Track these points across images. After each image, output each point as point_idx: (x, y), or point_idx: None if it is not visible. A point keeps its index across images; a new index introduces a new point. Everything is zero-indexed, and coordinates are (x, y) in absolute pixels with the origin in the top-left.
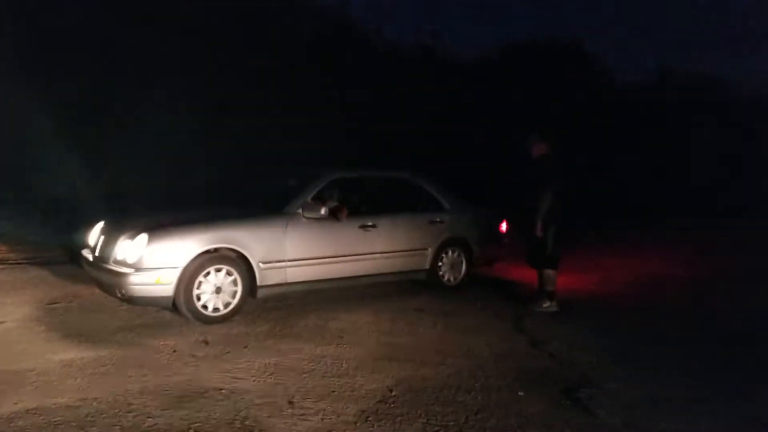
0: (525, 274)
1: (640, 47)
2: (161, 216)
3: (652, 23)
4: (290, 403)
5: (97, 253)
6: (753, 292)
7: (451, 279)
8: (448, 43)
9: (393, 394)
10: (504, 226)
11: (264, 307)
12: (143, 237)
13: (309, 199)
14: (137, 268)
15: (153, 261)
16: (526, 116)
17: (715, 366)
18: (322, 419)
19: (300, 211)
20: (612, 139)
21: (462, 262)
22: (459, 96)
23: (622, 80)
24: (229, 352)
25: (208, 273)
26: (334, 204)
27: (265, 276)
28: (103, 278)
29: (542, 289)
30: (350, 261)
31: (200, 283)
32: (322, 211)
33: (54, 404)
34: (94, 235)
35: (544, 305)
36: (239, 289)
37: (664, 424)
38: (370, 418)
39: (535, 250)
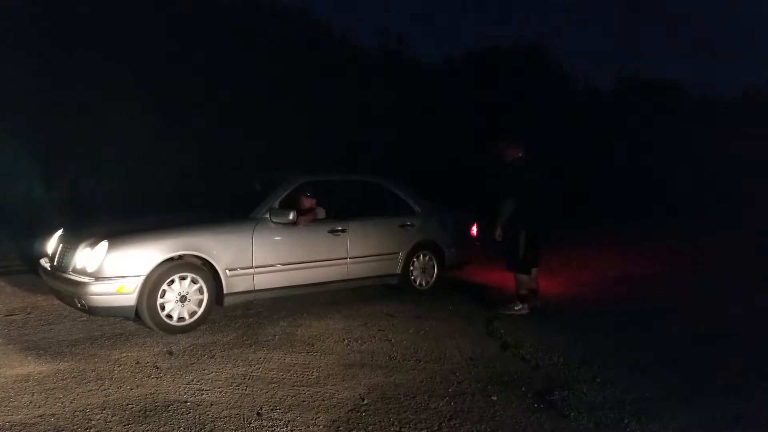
0: (496, 278)
1: (600, 54)
2: (123, 223)
3: (612, 30)
4: (258, 414)
5: (55, 262)
6: (723, 291)
7: (423, 283)
8: (412, 47)
9: (365, 402)
10: (475, 229)
11: (231, 315)
12: (103, 245)
13: (276, 203)
14: (97, 277)
15: (114, 269)
16: (491, 120)
17: (686, 365)
18: (292, 430)
19: (267, 216)
20: (576, 143)
21: (433, 265)
22: (424, 100)
23: (585, 85)
24: (194, 362)
25: (172, 281)
26: (304, 208)
27: (232, 283)
28: (62, 288)
29: (515, 292)
30: (320, 266)
31: (164, 291)
32: (290, 216)
33: (9, 422)
34: (53, 243)
35: (515, 308)
36: (205, 297)
37: (635, 424)
38: (341, 428)
39: (508, 254)
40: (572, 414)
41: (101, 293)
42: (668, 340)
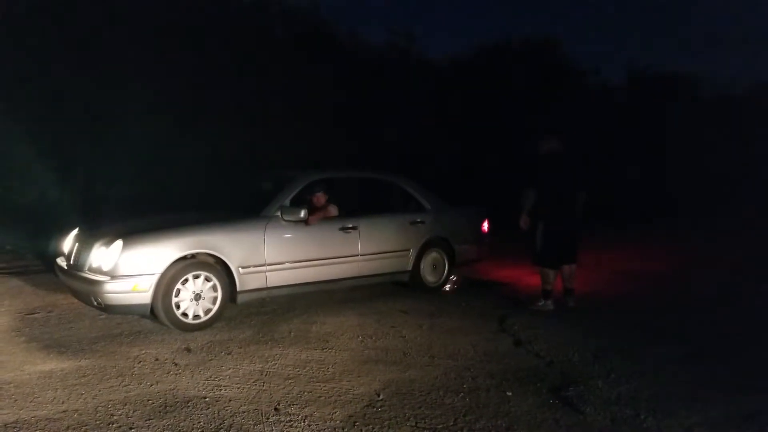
0: (508, 274)
1: (611, 48)
2: (137, 222)
3: (622, 22)
4: (276, 409)
5: (71, 261)
6: (745, 288)
7: (434, 280)
8: (422, 44)
9: (380, 398)
10: (486, 226)
11: (246, 312)
12: (118, 243)
13: (288, 201)
14: (113, 276)
15: (129, 268)
16: (506, 119)
17: (702, 362)
18: (309, 425)
19: (279, 214)
20: (591, 140)
21: (444, 262)
22: (436, 97)
23: (595, 81)
24: (212, 359)
25: (186, 280)
26: (315, 206)
27: (245, 281)
28: (78, 287)
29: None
30: (331, 264)
31: (178, 290)
32: (301, 213)
33: (34, 417)
34: (69, 242)
35: (538, 304)
36: (219, 295)
37: (652, 420)
38: (357, 423)
39: (531, 246)
40: (587, 410)
41: (116, 291)
42: (685, 336)
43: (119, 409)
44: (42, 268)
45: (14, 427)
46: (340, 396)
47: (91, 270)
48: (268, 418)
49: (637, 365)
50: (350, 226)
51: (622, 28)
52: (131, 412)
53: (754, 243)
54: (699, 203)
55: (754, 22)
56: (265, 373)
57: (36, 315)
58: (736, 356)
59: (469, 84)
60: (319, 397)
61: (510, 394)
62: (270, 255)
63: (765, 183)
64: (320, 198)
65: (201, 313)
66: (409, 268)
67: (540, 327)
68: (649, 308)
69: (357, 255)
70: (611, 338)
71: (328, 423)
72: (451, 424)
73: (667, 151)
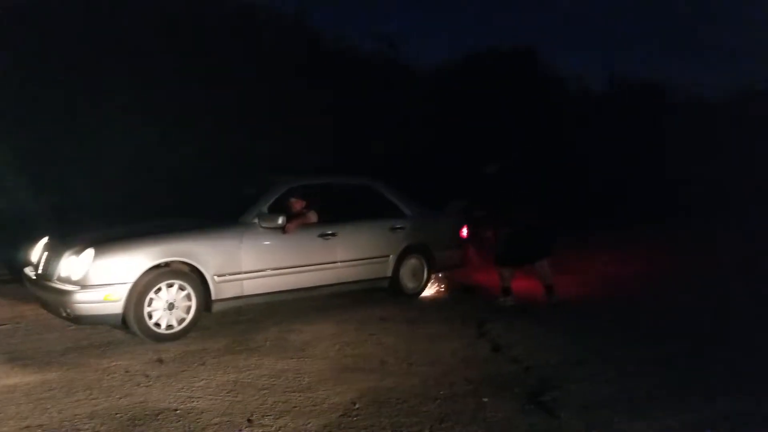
0: (487, 278)
1: (591, 55)
2: (109, 229)
3: (601, 30)
4: (249, 421)
5: (40, 271)
6: (716, 291)
7: (414, 286)
8: (403, 54)
9: (356, 406)
10: (465, 232)
11: (222, 321)
12: (89, 252)
13: (266, 208)
14: (83, 286)
15: (100, 277)
16: (486, 127)
17: (677, 364)
18: None
19: (256, 220)
20: (568, 145)
21: (424, 268)
22: (419, 104)
23: (575, 87)
24: (184, 370)
25: (159, 289)
26: (294, 212)
27: (221, 289)
28: (47, 297)
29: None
30: (310, 271)
31: (151, 300)
32: (279, 220)
33: None
34: (38, 251)
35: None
36: (193, 304)
37: (625, 424)
38: None
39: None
40: (563, 414)
41: (87, 301)
42: (661, 338)
43: (86, 424)
44: (10, 278)
45: None
46: (315, 406)
47: (61, 279)
48: (240, 430)
49: (613, 369)
50: (329, 232)
51: (604, 36)
52: (98, 426)
53: (734, 246)
54: (680, 207)
55: (731, 29)
56: (239, 384)
57: (2, 327)
58: (712, 359)
59: (453, 92)
60: (294, 407)
61: (486, 400)
62: (247, 263)
63: (746, 188)
64: (299, 204)
65: (174, 323)
66: (389, 274)
67: (519, 331)
68: (628, 312)
69: (336, 262)
70: (589, 342)
71: None
72: (427, 431)
73: (646, 156)
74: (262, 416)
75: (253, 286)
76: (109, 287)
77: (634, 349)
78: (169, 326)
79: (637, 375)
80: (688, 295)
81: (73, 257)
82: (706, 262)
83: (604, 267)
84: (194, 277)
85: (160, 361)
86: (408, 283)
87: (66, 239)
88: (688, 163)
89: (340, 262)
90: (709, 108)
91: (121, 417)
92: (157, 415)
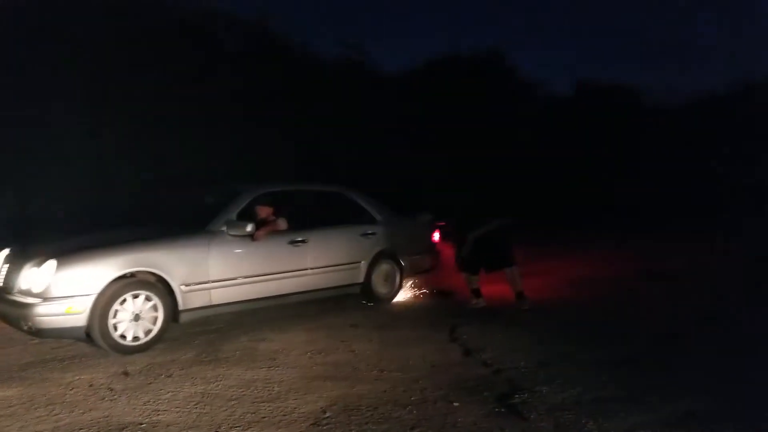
0: (460, 282)
1: (556, 60)
2: (72, 240)
3: (566, 34)
4: None
5: (0, 284)
6: (679, 292)
7: (386, 292)
8: (374, 58)
9: (327, 415)
10: (436, 236)
11: (191, 332)
12: (51, 263)
13: (234, 215)
14: (45, 298)
15: (62, 289)
16: (451, 131)
17: (643, 365)
18: None
19: (224, 228)
20: (535, 151)
21: (396, 273)
22: (385, 110)
23: (542, 93)
24: (151, 383)
25: (124, 300)
26: (263, 219)
27: (188, 299)
28: (8, 311)
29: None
30: (280, 279)
31: (116, 311)
32: (248, 228)
33: None
34: None
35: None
36: (160, 315)
37: (592, 424)
38: None
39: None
40: (532, 416)
41: (49, 314)
42: (627, 340)
43: None
44: None
45: None
46: (285, 416)
47: (22, 292)
48: None
49: (580, 370)
50: (299, 239)
51: (570, 40)
52: None
53: (697, 249)
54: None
55: (691, 32)
56: (207, 395)
57: None
58: (676, 360)
59: (419, 97)
60: (263, 417)
61: (457, 404)
62: (215, 271)
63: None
64: (268, 211)
65: (141, 335)
66: (361, 280)
67: (490, 336)
68: (596, 314)
69: (307, 269)
70: (557, 345)
71: None
72: None
73: (612, 160)
74: (230, 428)
75: (221, 295)
76: (71, 299)
77: (600, 351)
78: (136, 338)
79: (603, 376)
80: (653, 297)
81: (35, 269)
82: (670, 265)
83: (574, 270)
84: (161, 287)
85: (126, 373)
86: (380, 289)
87: (27, 251)
88: (656, 165)
89: (311, 269)
90: (675, 111)
91: None
92: (122, 429)
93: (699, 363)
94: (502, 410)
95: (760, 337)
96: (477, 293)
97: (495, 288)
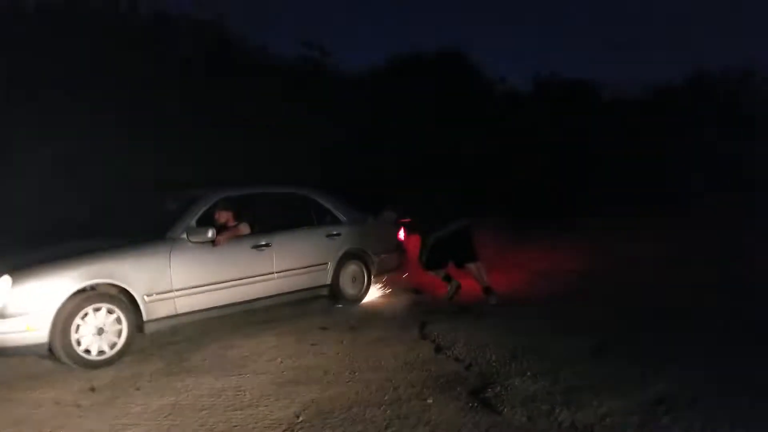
0: (428, 280)
1: (520, 54)
2: (28, 254)
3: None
4: None
5: None
6: (641, 282)
7: (355, 292)
8: (335, 56)
9: (300, 419)
10: (402, 235)
11: (158, 342)
12: (6, 279)
13: (194, 222)
14: (1, 316)
15: (19, 306)
16: (415, 129)
17: (611, 353)
18: None
19: (185, 235)
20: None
21: (364, 273)
22: (348, 110)
23: (503, 90)
24: (119, 397)
25: (86, 314)
26: (224, 224)
27: (152, 309)
28: None
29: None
30: (245, 284)
31: (78, 326)
32: (209, 233)
33: None
34: None
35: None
36: (124, 327)
37: (566, 413)
38: None
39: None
40: (505, 409)
41: (7, 332)
42: (594, 329)
43: None
44: None
45: None
46: (257, 422)
47: None
48: None
49: (551, 362)
50: (263, 243)
51: (528, 36)
52: None
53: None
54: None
55: (646, 25)
56: (177, 407)
57: None
58: (643, 347)
59: (381, 97)
60: (235, 426)
61: (431, 401)
62: (177, 280)
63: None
64: (228, 216)
65: (106, 348)
66: (329, 282)
67: (460, 331)
68: (564, 305)
69: (272, 273)
70: (528, 337)
71: None
72: None
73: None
74: None
75: (186, 303)
76: (30, 316)
77: (571, 341)
78: (101, 352)
79: (574, 366)
80: (622, 286)
81: None
82: (638, 255)
83: (543, 263)
84: (123, 298)
85: (93, 389)
86: (349, 290)
87: None
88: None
89: (277, 272)
90: (634, 104)
91: None
92: None
93: (671, 351)
94: (476, 405)
95: (735, 326)
96: (448, 277)
97: (463, 284)
